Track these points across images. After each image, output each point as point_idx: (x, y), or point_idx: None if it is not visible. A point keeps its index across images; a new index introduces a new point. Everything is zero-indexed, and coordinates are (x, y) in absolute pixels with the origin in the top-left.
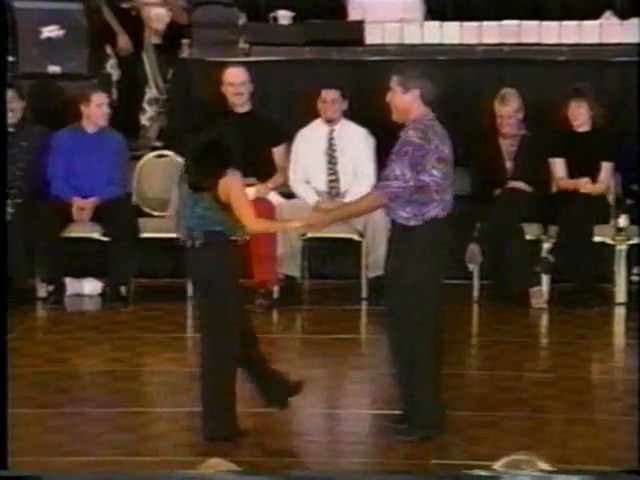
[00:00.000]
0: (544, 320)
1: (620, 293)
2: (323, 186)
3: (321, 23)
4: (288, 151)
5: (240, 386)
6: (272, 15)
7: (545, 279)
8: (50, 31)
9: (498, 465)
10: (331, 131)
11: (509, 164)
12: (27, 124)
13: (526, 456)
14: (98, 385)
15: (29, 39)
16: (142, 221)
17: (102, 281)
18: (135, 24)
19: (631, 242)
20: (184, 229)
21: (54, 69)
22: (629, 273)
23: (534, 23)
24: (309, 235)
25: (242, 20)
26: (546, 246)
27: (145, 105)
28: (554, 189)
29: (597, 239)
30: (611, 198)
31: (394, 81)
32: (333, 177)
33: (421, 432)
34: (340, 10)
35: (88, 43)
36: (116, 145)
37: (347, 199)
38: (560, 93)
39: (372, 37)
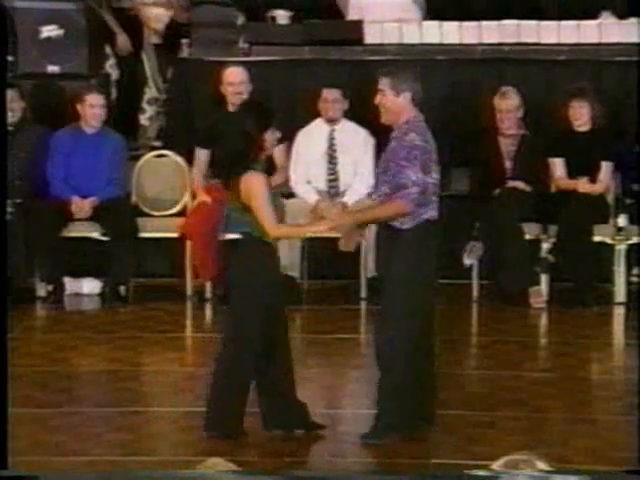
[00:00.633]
0: (543, 320)
1: (620, 293)
2: (323, 185)
3: (320, 23)
4: (288, 151)
5: None
6: (270, 15)
7: (544, 279)
8: (49, 31)
9: (497, 465)
10: (332, 131)
11: (508, 164)
12: (27, 124)
13: (525, 456)
14: (97, 385)
15: (28, 39)
16: (141, 221)
17: (101, 281)
18: (134, 24)
19: (630, 242)
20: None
21: (53, 69)
22: (629, 273)
23: (533, 23)
24: (308, 235)
25: (240, 20)
26: (545, 246)
27: (144, 105)
28: (553, 189)
29: (597, 239)
30: (610, 198)
31: (384, 84)
32: (333, 177)
33: (386, 433)
34: (339, 9)
35: (87, 43)
36: (115, 145)
37: (346, 198)
38: (559, 93)
39: (371, 37)
